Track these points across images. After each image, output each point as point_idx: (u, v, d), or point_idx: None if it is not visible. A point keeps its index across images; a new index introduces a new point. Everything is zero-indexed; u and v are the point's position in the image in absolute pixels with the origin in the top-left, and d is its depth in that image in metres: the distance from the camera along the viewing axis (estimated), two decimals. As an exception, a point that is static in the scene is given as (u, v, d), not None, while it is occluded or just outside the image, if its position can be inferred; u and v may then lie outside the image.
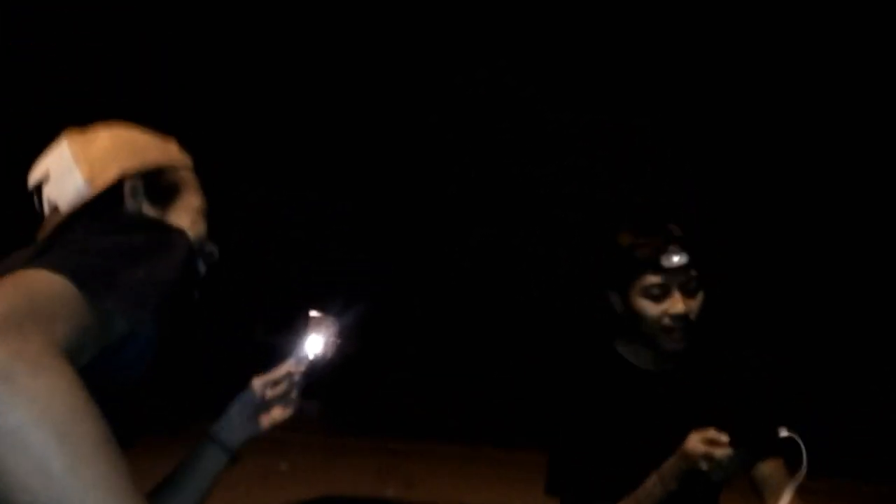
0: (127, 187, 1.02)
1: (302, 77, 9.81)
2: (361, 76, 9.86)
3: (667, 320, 1.50)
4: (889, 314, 7.74)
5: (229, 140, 9.16)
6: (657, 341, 1.53)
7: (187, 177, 1.11)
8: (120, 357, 0.84)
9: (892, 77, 7.97)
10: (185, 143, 1.16)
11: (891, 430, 5.85)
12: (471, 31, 9.44)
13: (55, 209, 1.02)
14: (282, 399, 1.22)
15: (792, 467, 1.38)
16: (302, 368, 1.23)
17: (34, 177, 1.06)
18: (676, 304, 1.49)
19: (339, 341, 1.26)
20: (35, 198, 1.06)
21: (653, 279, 1.50)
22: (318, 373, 1.23)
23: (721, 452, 1.30)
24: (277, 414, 1.22)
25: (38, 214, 1.06)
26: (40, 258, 0.78)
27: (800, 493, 1.42)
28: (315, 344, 1.23)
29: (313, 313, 1.25)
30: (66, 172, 1.03)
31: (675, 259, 1.49)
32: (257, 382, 1.21)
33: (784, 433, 1.29)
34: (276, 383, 1.21)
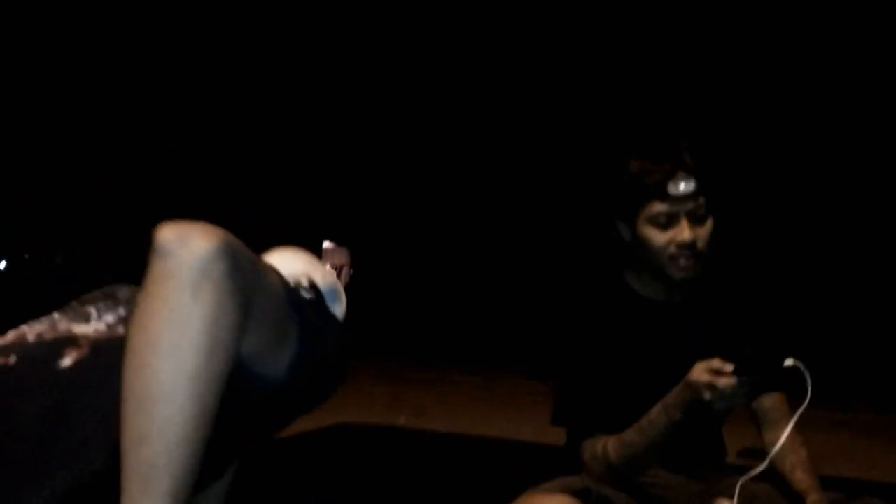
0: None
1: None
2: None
3: (673, 248, 1.49)
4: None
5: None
6: (664, 270, 1.52)
7: None
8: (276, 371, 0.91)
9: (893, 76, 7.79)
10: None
11: (893, 361, 5.89)
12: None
13: None
14: None
15: (796, 397, 1.39)
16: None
17: None
18: (683, 231, 1.48)
19: (351, 271, 1.26)
20: None
21: (659, 207, 1.48)
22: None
23: (725, 382, 1.30)
24: None
25: None
26: None
27: (802, 423, 1.44)
28: (329, 274, 1.23)
29: (326, 244, 1.25)
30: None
31: (683, 186, 1.47)
32: None
33: (789, 362, 1.29)
34: None
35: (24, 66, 8.25)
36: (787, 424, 1.56)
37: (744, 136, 8.70)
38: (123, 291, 1.04)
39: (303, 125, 9.97)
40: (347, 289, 1.26)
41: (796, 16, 8.11)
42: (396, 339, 9.55)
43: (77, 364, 0.89)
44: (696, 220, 1.49)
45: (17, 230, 8.75)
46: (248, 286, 0.81)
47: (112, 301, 1.00)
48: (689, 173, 1.48)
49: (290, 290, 0.95)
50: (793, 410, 1.46)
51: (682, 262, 1.50)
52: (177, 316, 0.76)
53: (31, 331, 0.96)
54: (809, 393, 1.33)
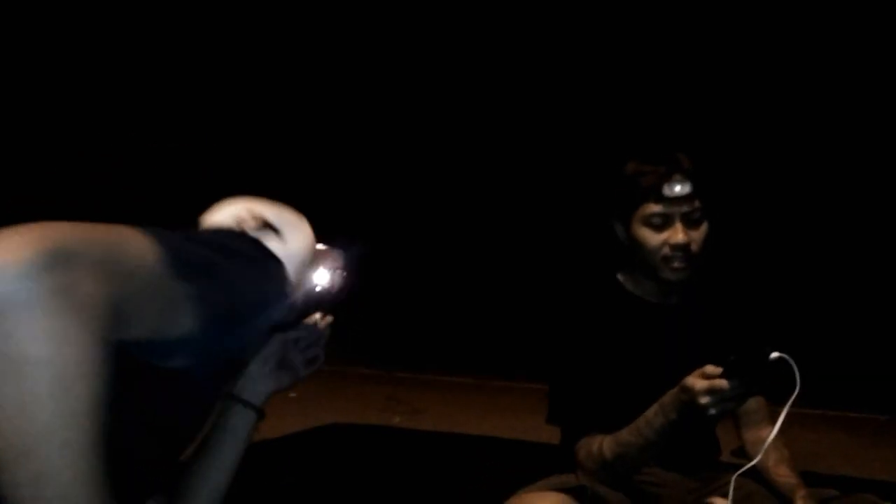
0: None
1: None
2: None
3: (667, 250, 1.50)
4: (889, 246, 7.75)
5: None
6: (658, 271, 1.53)
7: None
8: (171, 354, 0.77)
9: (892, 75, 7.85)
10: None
11: (887, 361, 5.92)
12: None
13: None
14: (307, 352, 1.20)
15: (785, 391, 1.40)
16: (328, 320, 1.22)
17: (207, 220, 1.03)
18: (677, 234, 1.48)
19: (345, 273, 1.25)
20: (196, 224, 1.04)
21: (654, 208, 1.49)
22: (325, 305, 1.23)
23: (720, 385, 1.31)
24: (302, 368, 1.20)
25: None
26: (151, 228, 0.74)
27: (795, 421, 1.45)
28: (322, 276, 1.23)
29: (319, 246, 1.24)
30: (225, 217, 1.01)
31: (678, 188, 1.47)
32: (278, 336, 1.19)
33: (775, 355, 1.29)
34: (295, 339, 1.20)
35: (24, 66, 8.22)
36: (767, 424, 1.58)
37: (738, 139, 8.74)
38: None
39: (302, 126, 9.98)
40: (341, 291, 1.25)
41: (794, 17, 8.15)
42: (391, 340, 9.54)
43: None
44: (690, 222, 1.50)
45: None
46: (100, 283, 0.63)
47: None
48: (685, 176, 1.48)
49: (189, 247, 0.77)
50: (779, 407, 1.48)
51: (676, 263, 1.50)
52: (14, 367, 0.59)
53: None
54: (798, 382, 1.33)
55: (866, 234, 8.29)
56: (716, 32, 8.62)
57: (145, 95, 9.01)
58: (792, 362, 1.29)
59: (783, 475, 1.52)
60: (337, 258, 1.24)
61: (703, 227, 1.52)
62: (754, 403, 1.60)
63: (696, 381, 1.33)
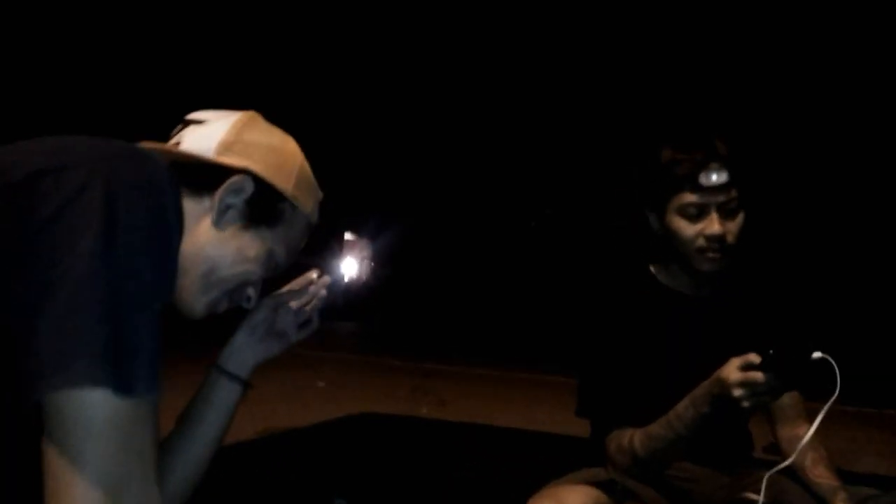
0: (236, 180, 0.96)
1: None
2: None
3: (702, 241, 1.46)
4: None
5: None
6: (691, 262, 1.50)
7: (297, 226, 1.04)
8: None
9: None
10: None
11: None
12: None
13: (178, 144, 1.00)
14: (299, 315, 1.14)
15: (823, 391, 1.37)
16: (325, 281, 1.15)
17: (195, 115, 1.03)
18: (713, 224, 1.44)
19: (372, 263, 1.24)
20: (180, 125, 1.03)
21: (690, 198, 1.45)
22: (353, 294, 1.22)
23: (755, 378, 1.29)
24: (293, 333, 1.13)
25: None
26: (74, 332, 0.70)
27: (830, 418, 1.42)
28: (350, 266, 1.21)
29: (348, 236, 1.22)
30: (211, 132, 1.00)
31: (714, 177, 1.43)
32: (268, 301, 1.11)
33: (817, 355, 1.27)
34: (287, 302, 1.13)
35: (25, 67, 8.34)
36: (803, 421, 1.55)
37: (776, 129, 8.61)
38: None
39: (326, 119, 10.00)
40: (368, 282, 1.23)
41: (828, 7, 8.00)
42: (419, 332, 9.56)
43: None
44: (726, 213, 1.46)
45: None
46: None
47: None
48: (722, 164, 1.44)
49: None
50: (813, 403, 1.45)
51: (710, 254, 1.47)
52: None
53: None
54: (839, 386, 1.31)
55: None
56: (750, 16, 8.48)
57: (145, 95, 9.11)
58: (834, 364, 1.26)
59: (821, 476, 1.48)
60: (365, 248, 1.22)
61: (739, 218, 1.48)
62: (789, 399, 1.56)
63: (730, 373, 1.31)
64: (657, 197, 1.51)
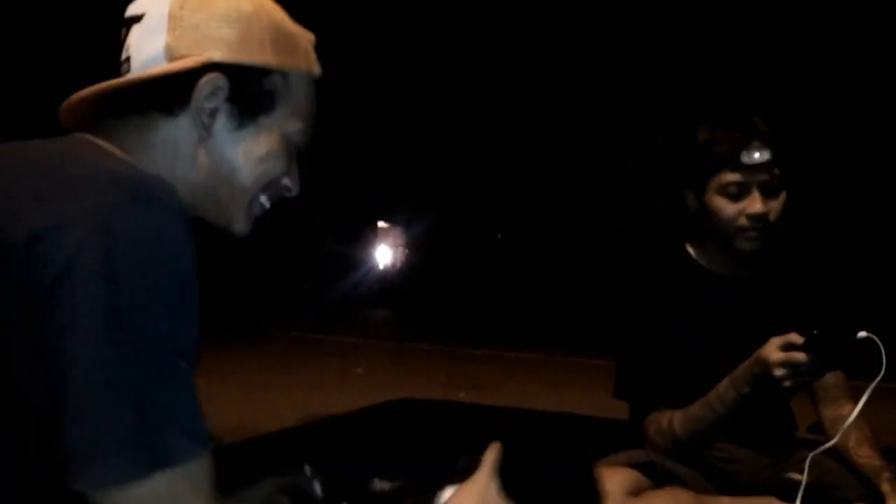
0: (203, 83, 0.82)
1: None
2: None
3: (743, 220, 1.44)
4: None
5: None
6: (731, 242, 1.48)
7: (299, 91, 0.89)
8: None
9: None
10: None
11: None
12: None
13: (127, 60, 0.85)
14: None
15: (867, 370, 1.35)
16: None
17: (131, 10, 0.87)
18: (755, 203, 1.43)
19: (406, 251, 1.24)
20: (123, 30, 0.87)
21: (731, 177, 1.43)
22: (388, 282, 1.23)
23: (797, 359, 1.28)
24: None
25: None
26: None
27: (871, 395, 1.40)
28: (384, 254, 1.22)
29: (381, 224, 1.23)
30: (153, 28, 0.84)
31: (757, 155, 1.41)
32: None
33: (862, 334, 1.25)
34: None
35: (24, 67, 8.46)
36: (847, 401, 1.52)
37: (818, 109, 8.44)
38: None
39: (360, 106, 10.03)
40: (403, 269, 1.24)
41: None
42: (455, 316, 9.58)
43: None
44: (768, 192, 1.44)
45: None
46: None
47: None
48: (764, 142, 1.41)
49: None
50: (857, 382, 1.43)
51: (751, 233, 1.45)
52: None
53: None
54: (885, 365, 1.29)
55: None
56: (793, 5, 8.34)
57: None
58: (879, 343, 1.25)
59: (865, 456, 1.46)
60: (399, 236, 1.23)
61: (782, 197, 1.46)
62: (832, 378, 1.54)
63: (771, 352, 1.29)
64: (696, 176, 1.49)
